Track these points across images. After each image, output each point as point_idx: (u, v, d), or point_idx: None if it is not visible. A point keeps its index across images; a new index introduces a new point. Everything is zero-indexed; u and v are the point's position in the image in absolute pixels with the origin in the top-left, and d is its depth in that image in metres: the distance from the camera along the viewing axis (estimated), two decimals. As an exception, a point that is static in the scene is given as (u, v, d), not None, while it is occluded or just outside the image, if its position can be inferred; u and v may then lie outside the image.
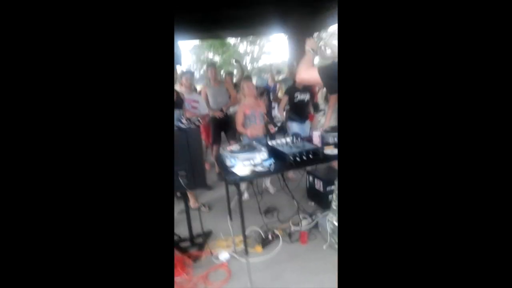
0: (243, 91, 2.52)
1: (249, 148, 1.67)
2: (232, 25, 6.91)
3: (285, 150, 1.57)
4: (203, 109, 3.00)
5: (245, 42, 16.41)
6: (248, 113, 2.43)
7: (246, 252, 1.55)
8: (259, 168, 1.51)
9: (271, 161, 1.56)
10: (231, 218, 1.99)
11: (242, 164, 1.52)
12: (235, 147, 1.73)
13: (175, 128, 1.90)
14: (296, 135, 1.92)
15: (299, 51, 5.50)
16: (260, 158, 1.57)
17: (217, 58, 16.59)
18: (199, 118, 1.94)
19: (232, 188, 1.97)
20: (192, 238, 2.15)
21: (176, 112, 2.26)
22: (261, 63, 16.78)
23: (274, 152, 1.63)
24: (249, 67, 16.15)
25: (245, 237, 1.56)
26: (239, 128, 2.49)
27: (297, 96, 3.09)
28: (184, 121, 1.89)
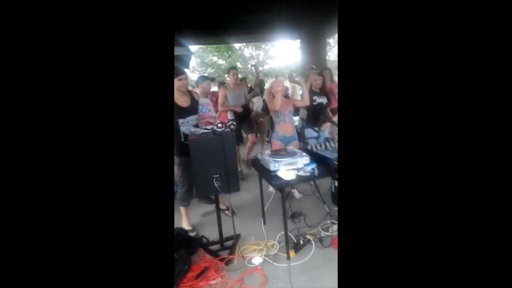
0: (271, 89, 2.53)
1: (290, 152, 1.67)
2: (238, 31, 6.96)
3: (328, 154, 1.58)
4: (213, 112, 3.09)
5: (250, 47, 16.52)
6: (277, 111, 2.45)
7: (288, 257, 1.55)
8: (301, 173, 1.52)
9: (313, 165, 1.56)
10: (264, 222, 1.99)
11: (285, 169, 1.52)
12: (274, 151, 1.74)
13: (210, 131, 1.92)
14: (327, 139, 1.93)
15: (312, 56, 5.56)
16: (303, 163, 1.58)
17: (221, 62, 16.69)
18: (233, 122, 1.95)
19: (262, 193, 2.00)
20: (222, 241, 2.15)
21: (193, 118, 2.27)
22: (266, 67, 16.87)
23: (315, 157, 1.64)
24: (254, 65, 16.24)
25: (287, 240, 1.56)
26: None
27: (315, 100, 3.09)
28: (219, 125, 1.90)
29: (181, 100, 2.22)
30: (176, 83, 2.18)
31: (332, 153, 1.63)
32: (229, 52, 16.16)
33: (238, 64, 16.41)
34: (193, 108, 2.30)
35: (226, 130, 1.90)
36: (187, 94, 2.31)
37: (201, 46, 14.65)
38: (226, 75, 16.04)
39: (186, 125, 2.21)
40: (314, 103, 3.05)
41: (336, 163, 1.50)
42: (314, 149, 1.75)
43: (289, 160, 1.57)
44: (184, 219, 2.44)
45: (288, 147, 1.93)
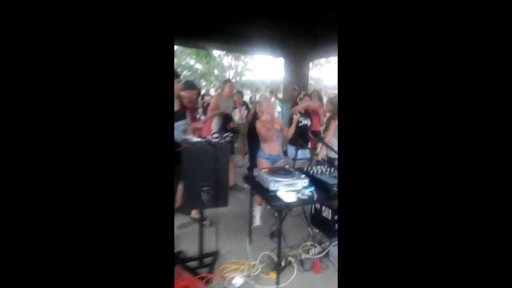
0: (261, 107, 2.52)
1: (288, 172, 1.66)
2: (222, 39, 6.91)
3: (326, 179, 1.60)
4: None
5: (230, 56, 16.56)
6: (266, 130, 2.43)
7: (277, 282, 1.50)
8: (300, 195, 1.51)
9: (312, 188, 1.56)
10: (250, 241, 1.92)
11: (285, 190, 1.50)
12: (271, 169, 1.70)
13: (205, 141, 1.83)
14: (321, 162, 1.95)
15: (295, 76, 5.73)
16: (301, 185, 1.57)
17: (199, 66, 16.43)
18: (229, 134, 1.89)
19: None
20: (201, 258, 2.01)
21: (182, 123, 2.19)
22: (244, 79, 17.01)
23: (314, 180, 1.64)
24: (232, 80, 16.24)
25: (279, 266, 1.51)
26: (266, 136, 2.41)
27: (301, 121, 3.15)
28: (215, 135, 1.83)
29: None
30: None
31: (329, 178, 1.64)
32: (208, 58, 16.00)
33: (215, 71, 16.32)
34: (182, 113, 2.21)
35: (222, 141, 1.83)
36: (176, 98, 2.22)
37: (179, 47, 14.30)
38: (202, 80, 15.81)
39: (175, 131, 2.10)
40: (300, 124, 3.12)
41: (335, 189, 1.51)
42: (311, 171, 1.75)
43: (289, 180, 1.54)
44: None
45: (285, 166, 1.91)
